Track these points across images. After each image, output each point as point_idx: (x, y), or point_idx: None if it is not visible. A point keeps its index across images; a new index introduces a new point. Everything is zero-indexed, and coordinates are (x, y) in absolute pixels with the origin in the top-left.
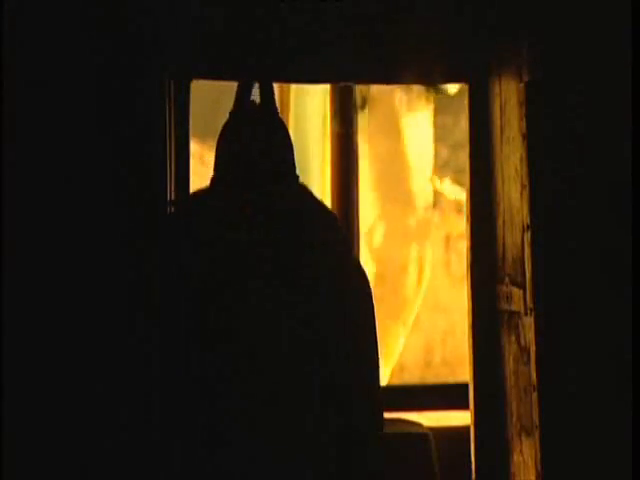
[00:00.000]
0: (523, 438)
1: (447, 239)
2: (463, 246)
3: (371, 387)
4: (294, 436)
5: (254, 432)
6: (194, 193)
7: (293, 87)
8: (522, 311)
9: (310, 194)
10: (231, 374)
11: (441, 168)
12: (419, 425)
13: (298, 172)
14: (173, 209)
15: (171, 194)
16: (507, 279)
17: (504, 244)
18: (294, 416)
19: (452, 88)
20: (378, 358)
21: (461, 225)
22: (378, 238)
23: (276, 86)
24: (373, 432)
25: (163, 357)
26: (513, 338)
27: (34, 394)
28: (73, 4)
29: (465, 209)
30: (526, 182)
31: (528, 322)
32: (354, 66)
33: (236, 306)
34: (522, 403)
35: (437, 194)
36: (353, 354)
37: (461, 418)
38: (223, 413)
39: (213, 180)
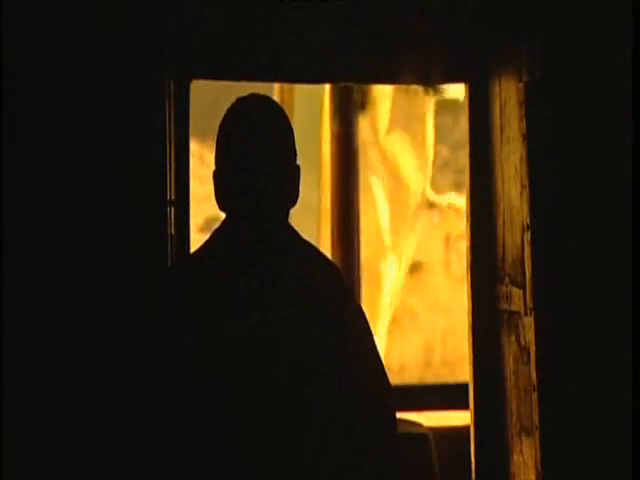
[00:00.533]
0: (523, 438)
1: (447, 239)
2: (463, 246)
3: (379, 425)
4: (293, 467)
5: (251, 458)
6: (193, 254)
7: (293, 87)
8: (522, 311)
9: (306, 242)
10: (230, 405)
11: (441, 168)
12: (419, 425)
13: (299, 161)
14: (173, 270)
15: (171, 194)
16: (507, 279)
17: (504, 244)
18: (292, 446)
19: (455, 94)
20: (388, 395)
21: (461, 225)
22: (378, 236)
23: (276, 86)
24: (380, 471)
25: (162, 376)
26: (513, 338)
27: (34, 394)
28: (73, 4)
29: (465, 209)
30: (526, 182)
31: (528, 322)
32: (354, 66)
33: (236, 348)
34: (522, 403)
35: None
36: (355, 390)
37: (461, 418)
38: (221, 440)
39: (213, 236)
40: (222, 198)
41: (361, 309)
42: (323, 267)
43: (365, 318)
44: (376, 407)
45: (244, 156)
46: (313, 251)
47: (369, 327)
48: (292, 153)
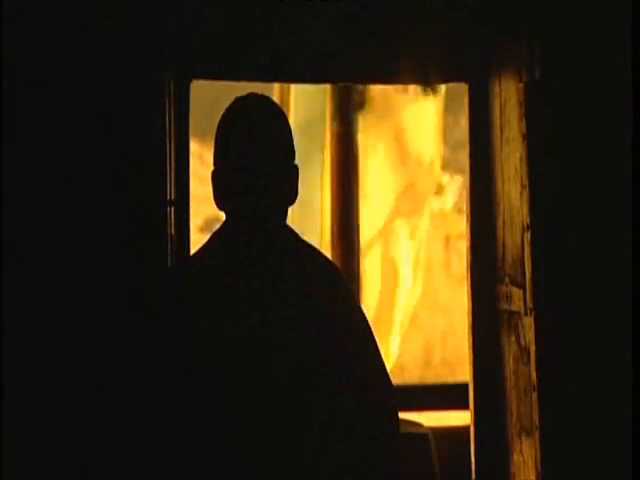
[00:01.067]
0: (523, 438)
1: (447, 239)
2: (463, 246)
3: (381, 425)
4: (293, 467)
5: (252, 459)
6: (193, 254)
7: (293, 87)
8: (522, 311)
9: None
10: (230, 405)
11: (441, 168)
12: (419, 425)
13: (297, 161)
14: (173, 270)
15: (171, 194)
16: (507, 279)
17: (504, 244)
18: (293, 447)
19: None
20: (390, 395)
21: (461, 225)
22: (378, 238)
23: (276, 86)
24: (384, 471)
25: (162, 376)
26: (513, 338)
27: (34, 394)
28: (73, 4)
29: (465, 209)
30: (526, 182)
31: (528, 322)
32: (354, 66)
33: (236, 348)
34: (522, 403)
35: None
36: (357, 390)
37: (461, 418)
38: (221, 440)
39: (213, 236)
40: (221, 198)
41: (362, 310)
42: (323, 267)
43: (366, 319)
44: (378, 407)
45: (244, 155)
46: (313, 251)
47: (370, 327)
48: (291, 153)
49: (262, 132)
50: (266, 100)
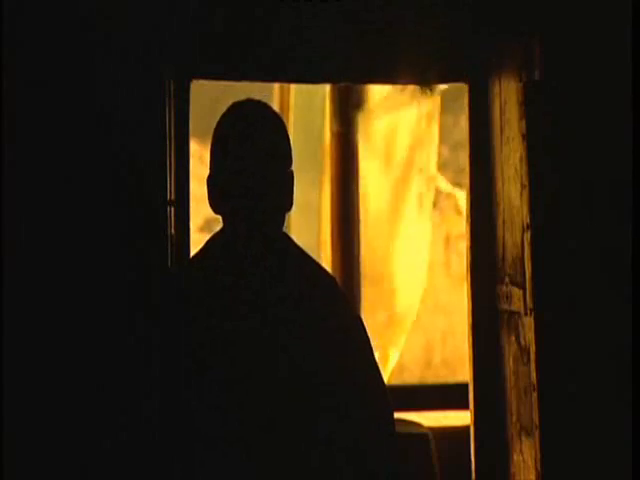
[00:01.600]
0: (523, 438)
1: (447, 239)
2: (463, 246)
3: (378, 425)
4: (292, 467)
5: (251, 459)
6: (192, 258)
7: (293, 87)
8: (522, 311)
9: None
10: (229, 405)
11: (441, 168)
12: (419, 425)
13: (295, 162)
14: (173, 273)
15: (171, 194)
16: (507, 279)
17: (504, 244)
18: (291, 447)
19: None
20: (384, 392)
21: (461, 225)
22: (377, 237)
23: (276, 86)
24: (384, 471)
25: (161, 376)
26: (513, 338)
27: (34, 394)
28: (73, 4)
29: (465, 209)
30: (526, 182)
31: (528, 322)
32: (354, 66)
33: (235, 350)
34: (522, 403)
35: (437, 193)
36: (354, 389)
37: (461, 418)
38: (220, 440)
39: (212, 238)
40: (219, 201)
41: (358, 314)
42: (320, 272)
43: (362, 321)
44: (376, 407)
45: (242, 159)
46: (310, 258)
47: (365, 330)
48: (288, 159)
49: (260, 137)
50: (264, 106)
